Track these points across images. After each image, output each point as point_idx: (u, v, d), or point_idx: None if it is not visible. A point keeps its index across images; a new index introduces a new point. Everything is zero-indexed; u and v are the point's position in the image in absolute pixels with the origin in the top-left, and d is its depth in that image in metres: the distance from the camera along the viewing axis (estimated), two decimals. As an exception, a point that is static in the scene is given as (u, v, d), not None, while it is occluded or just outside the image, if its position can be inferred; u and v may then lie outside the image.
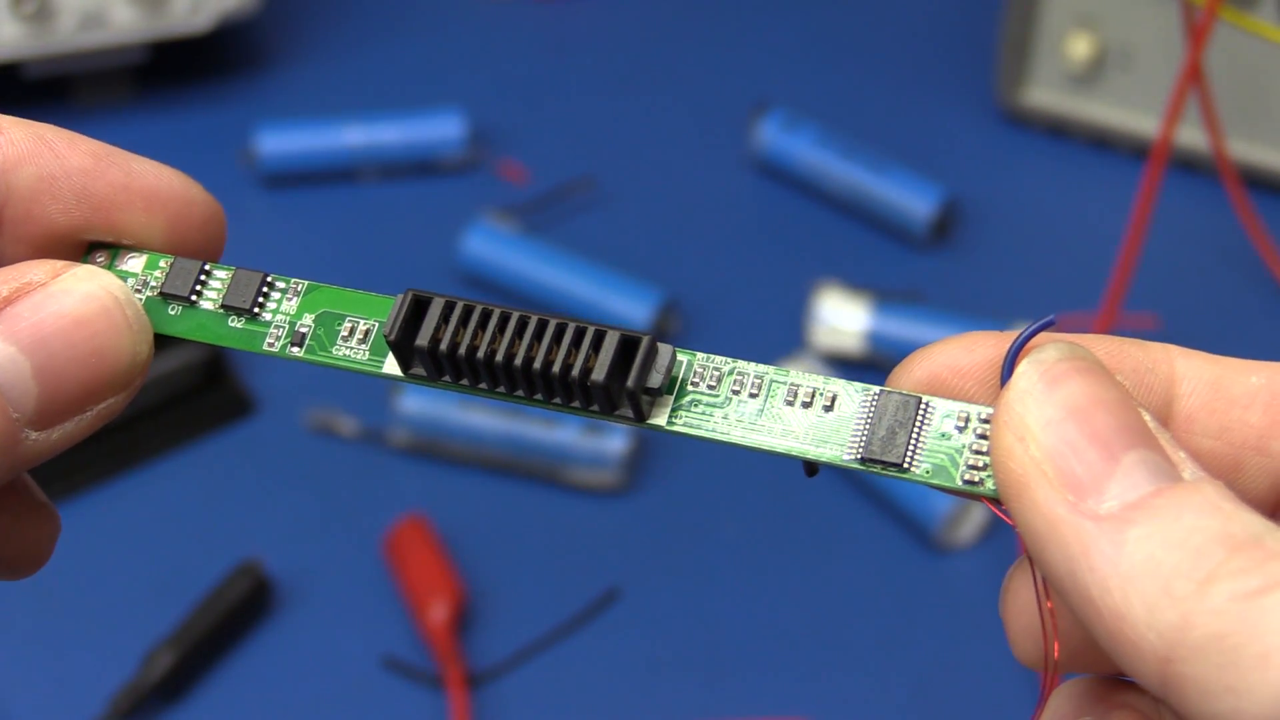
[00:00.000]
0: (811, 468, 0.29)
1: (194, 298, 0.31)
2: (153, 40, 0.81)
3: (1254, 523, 0.24)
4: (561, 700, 0.62)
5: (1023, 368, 0.27)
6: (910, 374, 0.29)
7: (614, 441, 0.67)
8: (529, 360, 0.29)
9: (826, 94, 0.85)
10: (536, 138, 0.83)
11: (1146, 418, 0.26)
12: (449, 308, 0.30)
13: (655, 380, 0.29)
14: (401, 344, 0.30)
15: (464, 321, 0.30)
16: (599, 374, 0.29)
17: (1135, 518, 0.25)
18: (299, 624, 0.64)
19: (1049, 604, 0.28)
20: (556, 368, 0.29)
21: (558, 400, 0.30)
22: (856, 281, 0.73)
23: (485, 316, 0.29)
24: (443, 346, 0.29)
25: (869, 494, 0.68)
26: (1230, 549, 0.24)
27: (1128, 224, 0.64)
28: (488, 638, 0.64)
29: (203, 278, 0.32)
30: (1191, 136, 0.75)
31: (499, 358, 0.29)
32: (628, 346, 0.29)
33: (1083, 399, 0.26)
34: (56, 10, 0.79)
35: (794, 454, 0.29)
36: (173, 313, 0.31)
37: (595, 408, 0.29)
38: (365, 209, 0.80)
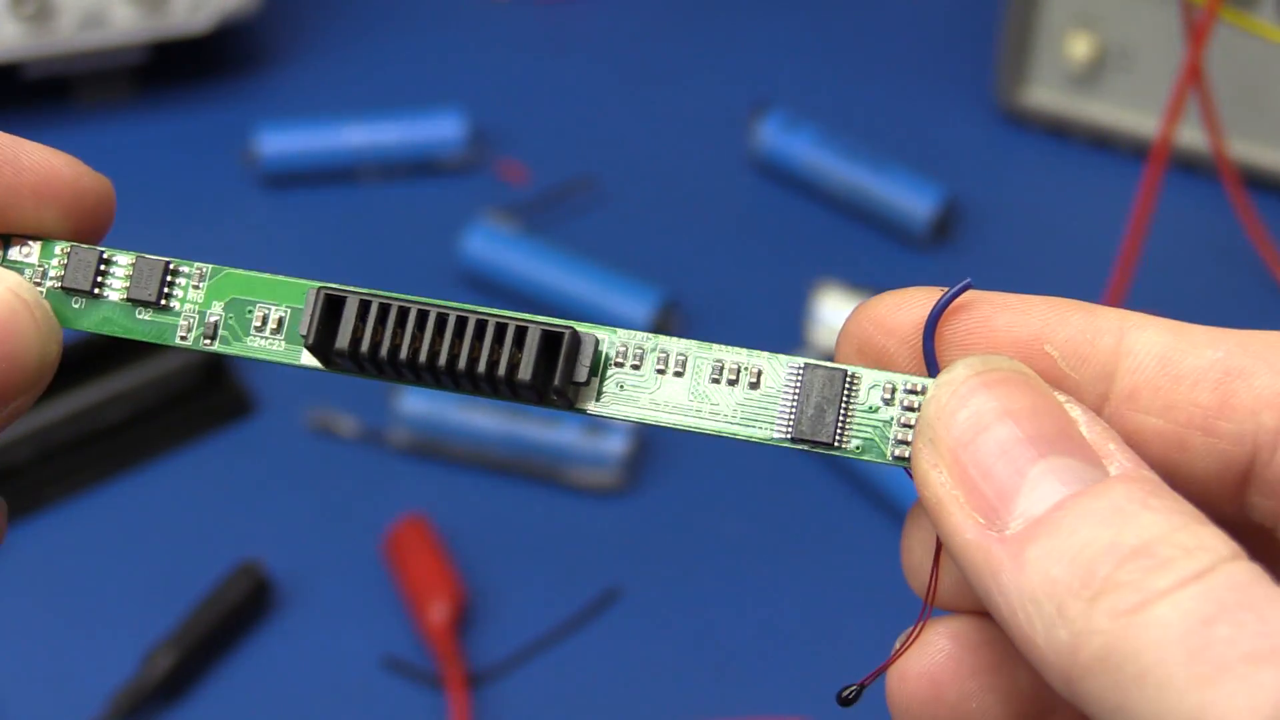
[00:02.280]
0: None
1: (97, 290, 0.30)
2: (153, 40, 0.81)
3: (1153, 524, 0.24)
4: (561, 700, 0.62)
5: (933, 390, 0.26)
6: (843, 334, 0.29)
7: (614, 441, 0.67)
8: (453, 359, 0.29)
9: (826, 94, 0.85)
10: (536, 138, 0.83)
11: (1072, 409, 0.26)
12: (364, 306, 0.29)
13: (581, 374, 0.29)
14: (320, 346, 0.29)
15: (381, 320, 0.29)
16: (525, 373, 0.28)
17: (1036, 534, 0.24)
18: (299, 624, 0.64)
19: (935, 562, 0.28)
20: (482, 366, 0.28)
21: (485, 391, 0.29)
22: (856, 281, 0.73)
23: (403, 314, 0.29)
24: (363, 348, 0.29)
25: (869, 494, 0.68)
26: (1117, 561, 0.24)
27: (1128, 224, 0.64)
28: (488, 638, 0.64)
29: (103, 267, 0.30)
30: (1191, 136, 0.75)
31: (422, 357, 0.29)
32: (550, 341, 0.29)
33: (990, 415, 0.26)
34: (56, 10, 0.79)
35: (723, 434, 0.29)
36: (77, 306, 0.30)
37: (523, 399, 0.29)
38: (365, 209, 0.80)
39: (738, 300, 0.76)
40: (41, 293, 0.30)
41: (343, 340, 0.29)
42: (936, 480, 0.26)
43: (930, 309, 0.28)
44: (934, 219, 0.77)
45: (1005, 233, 0.79)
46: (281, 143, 0.80)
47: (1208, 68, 0.63)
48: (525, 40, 0.90)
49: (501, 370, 0.28)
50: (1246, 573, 0.23)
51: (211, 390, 0.70)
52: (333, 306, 0.29)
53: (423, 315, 0.29)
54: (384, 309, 0.29)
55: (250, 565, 0.64)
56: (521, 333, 0.28)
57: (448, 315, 0.29)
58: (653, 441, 0.69)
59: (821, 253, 0.78)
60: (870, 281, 0.74)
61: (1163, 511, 0.24)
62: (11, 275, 0.29)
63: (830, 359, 0.29)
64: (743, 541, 0.67)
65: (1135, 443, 0.27)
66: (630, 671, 0.63)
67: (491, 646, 0.63)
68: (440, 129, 0.81)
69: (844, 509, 0.67)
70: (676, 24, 0.91)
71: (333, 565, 0.66)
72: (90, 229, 0.31)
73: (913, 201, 0.77)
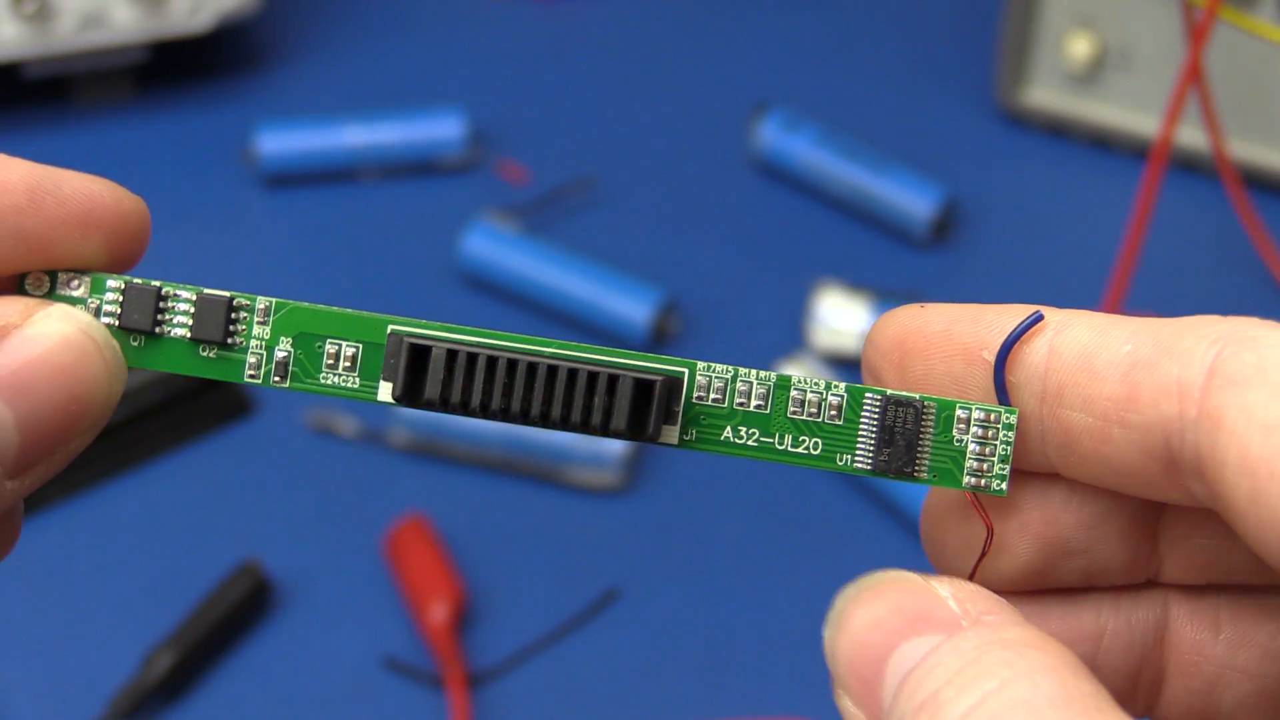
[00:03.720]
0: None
1: (158, 330, 0.30)
2: (153, 40, 0.81)
3: (943, 673, 0.25)
4: (561, 700, 0.62)
5: (825, 631, 0.28)
6: (882, 332, 0.30)
7: (614, 441, 0.67)
8: (546, 407, 0.29)
9: (826, 94, 0.85)
10: (536, 138, 0.83)
11: (941, 587, 0.27)
12: (451, 357, 0.28)
13: (674, 420, 0.29)
14: (407, 395, 0.29)
15: (469, 371, 0.28)
16: (619, 423, 0.29)
17: None
18: (299, 624, 0.64)
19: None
20: (576, 415, 0.29)
21: (574, 429, 0.29)
22: (856, 281, 0.73)
23: (491, 364, 0.28)
24: (452, 401, 0.29)
25: (869, 494, 0.68)
26: (915, 713, 0.25)
27: (1128, 224, 0.64)
28: (488, 638, 0.64)
29: (161, 304, 0.30)
30: (1191, 136, 0.75)
31: (515, 406, 0.29)
32: (643, 389, 0.29)
33: (862, 632, 0.27)
34: (56, 10, 0.79)
35: (806, 466, 0.29)
36: (136, 344, 0.30)
37: (610, 436, 0.29)
38: (365, 209, 0.80)
39: (738, 300, 0.76)
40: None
41: (431, 393, 0.29)
42: (845, 707, 0.27)
43: (997, 351, 0.29)
44: (934, 219, 0.77)
45: (1005, 233, 0.79)
46: (281, 143, 0.80)
47: (1208, 68, 0.63)
48: (525, 40, 0.90)
49: (596, 420, 0.29)
50: (1025, 691, 0.24)
51: (211, 390, 0.70)
52: (418, 356, 0.29)
53: (512, 365, 0.28)
54: (471, 359, 0.28)
55: (250, 565, 0.64)
56: (613, 382, 0.29)
57: (538, 365, 0.28)
58: (653, 441, 0.69)
59: (821, 253, 0.78)
60: (870, 281, 0.74)
61: (969, 649, 0.25)
62: (83, 315, 0.28)
63: (858, 370, 0.30)
64: (742, 542, 0.67)
65: (1068, 438, 0.28)
66: (630, 671, 0.63)
67: (491, 646, 0.63)
68: (440, 129, 0.81)
69: (844, 509, 0.67)
70: (676, 24, 0.91)
71: (333, 565, 0.66)
72: (129, 254, 0.30)
73: (913, 201, 0.77)
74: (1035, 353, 0.28)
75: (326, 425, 0.70)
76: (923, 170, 0.79)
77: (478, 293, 0.75)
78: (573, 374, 0.29)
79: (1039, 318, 0.28)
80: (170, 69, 0.85)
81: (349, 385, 0.30)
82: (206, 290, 0.30)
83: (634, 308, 0.72)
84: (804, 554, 0.66)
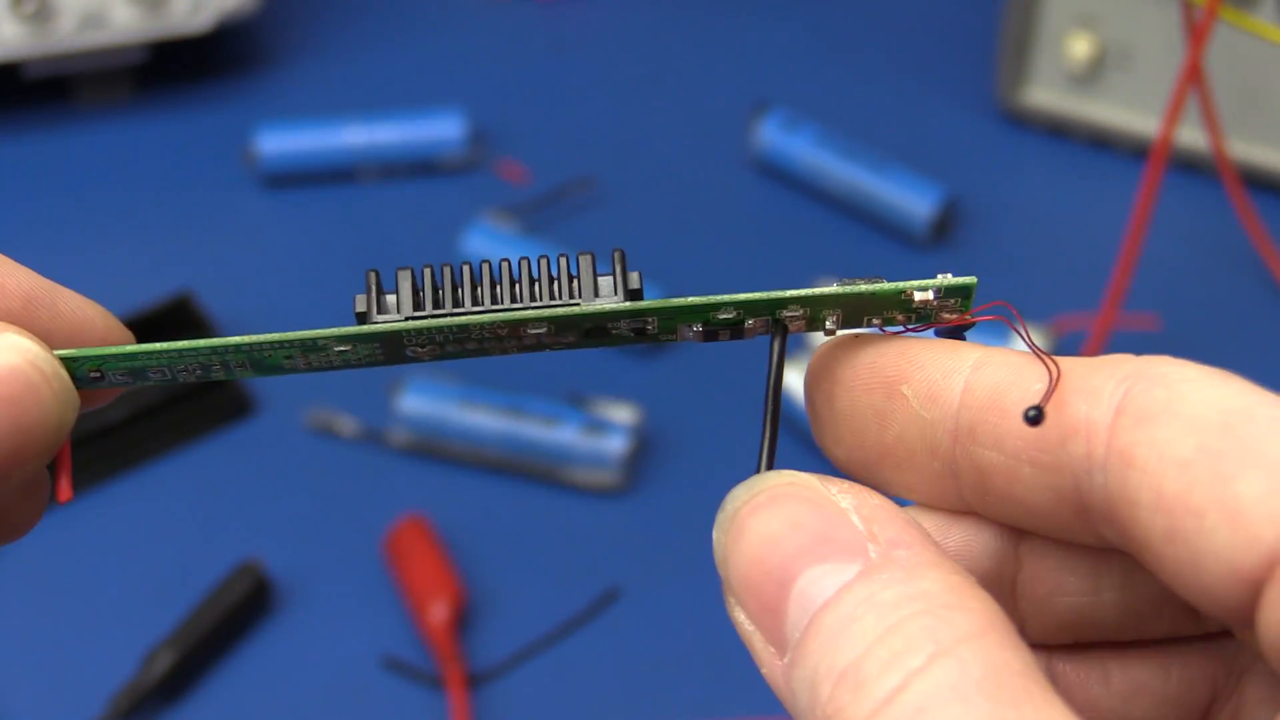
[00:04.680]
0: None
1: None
2: (153, 40, 0.81)
3: (865, 634, 0.24)
4: (561, 700, 0.62)
5: (714, 531, 0.27)
6: (817, 362, 0.30)
7: (614, 441, 0.67)
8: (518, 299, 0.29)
9: (826, 94, 0.85)
10: (536, 138, 0.83)
11: (843, 499, 0.26)
12: (420, 278, 0.29)
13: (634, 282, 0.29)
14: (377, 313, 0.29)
15: (436, 285, 0.29)
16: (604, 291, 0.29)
17: (795, 659, 0.25)
18: (299, 624, 0.64)
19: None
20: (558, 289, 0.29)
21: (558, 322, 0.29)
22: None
23: (457, 279, 0.29)
24: (424, 304, 0.29)
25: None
26: (831, 688, 0.24)
27: (1128, 224, 0.64)
28: (488, 638, 0.64)
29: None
30: (1191, 136, 0.75)
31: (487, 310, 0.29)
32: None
33: (757, 543, 0.26)
34: (56, 10, 0.79)
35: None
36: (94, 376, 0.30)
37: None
38: (365, 209, 0.80)
39: (738, 300, 0.76)
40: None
41: (404, 305, 0.29)
42: (739, 619, 0.26)
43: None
44: (934, 219, 0.77)
45: (1005, 233, 0.79)
46: (281, 143, 0.80)
47: (1208, 68, 0.63)
48: (525, 40, 0.90)
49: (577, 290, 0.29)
50: (952, 673, 0.23)
51: (211, 390, 0.70)
52: (380, 286, 0.29)
53: (475, 278, 0.29)
54: (438, 275, 0.29)
55: (250, 565, 0.64)
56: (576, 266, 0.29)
57: (502, 272, 0.29)
58: (652, 441, 0.69)
59: (821, 253, 0.78)
60: (870, 281, 0.74)
61: (889, 606, 0.24)
62: (26, 343, 0.29)
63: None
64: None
65: (982, 478, 0.28)
66: (630, 671, 0.63)
67: (491, 646, 0.63)
68: (440, 129, 0.81)
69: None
70: (676, 24, 0.91)
71: (333, 565, 0.66)
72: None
73: (913, 201, 0.77)
74: (950, 390, 0.28)
75: (326, 425, 0.70)
76: (923, 170, 0.79)
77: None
78: (537, 276, 0.29)
79: (968, 326, 0.29)
80: (170, 69, 0.85)
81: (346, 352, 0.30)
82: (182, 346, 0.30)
83: (634, 308, 0.72)
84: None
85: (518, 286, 0.29)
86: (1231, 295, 0.76)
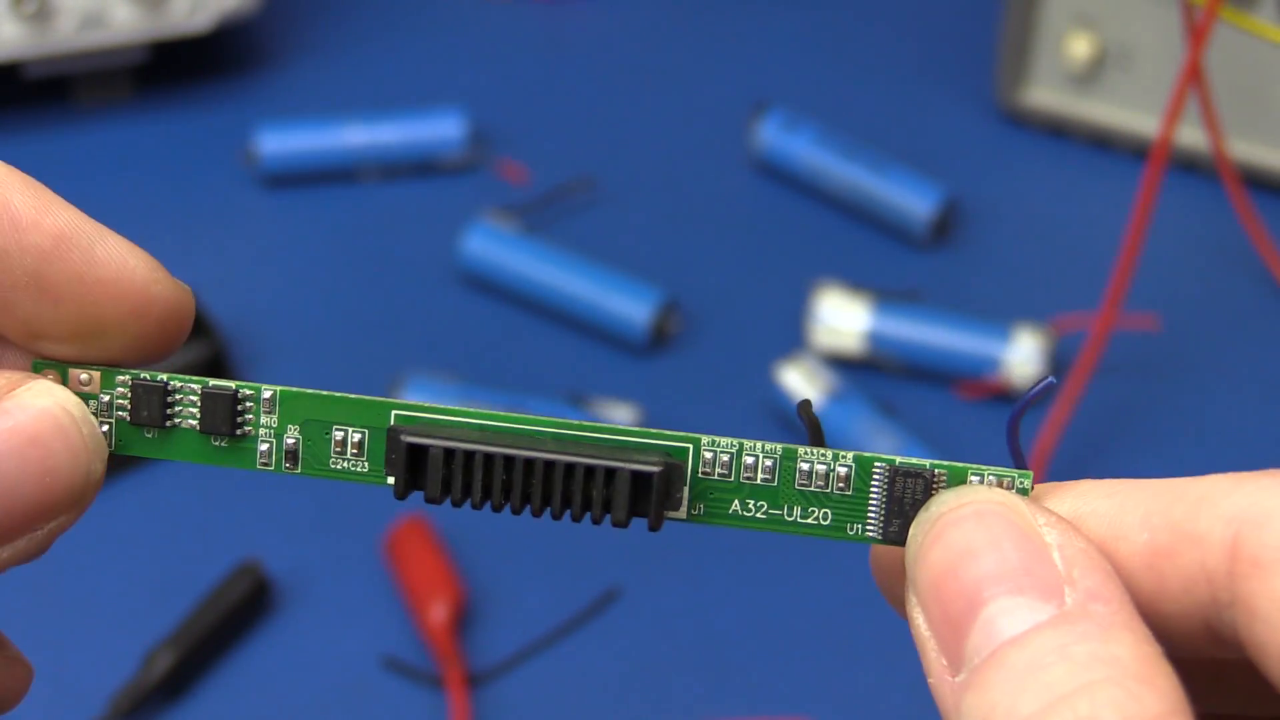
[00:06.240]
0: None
1: (169, 424, 0.30)
2: (153, 40, 0.81)
3: (1053, 687, 0.23)
4: (561, 700, 0.62)
5: (912, 530, 0.27)
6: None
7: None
8: (545, 506, 0.29)
9: (826, 94, 0.85)
10: (536, 138, 0.83)
11: (1049, 534, 0.25)
12: (449, 456, 0.29)
13: (675, 505, 0.29)
14: (410, 488, 0.29)
15: (467, 468, 0.29)
16: (619, 515, 0.29)
17: (970, 684, 0.25)
18: (299, 624, 0.64)
19: None
20: (576, 509, 0.29)
21: (576, 519, 0.29)
22: (856, 281, 0.73)
23: (489, 462, 0.29)
24: (453, 498, 0.29)
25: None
26: None
27: (1128, 224, 0.64)
28: (488, 638, 0.64)
29: (170, 398, 0.30)
30: (1191, 136, 0.75)
31: (515, 505, 0.29)
32: (641, 480, 0.29)
33: (957, 555, 0.26)
34: (56, 10, 0.79)
35: (815, 536, 0.29)
36: (149, 436, 0.30)
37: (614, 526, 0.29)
38: (365, 209, 0.80)
39: (738, 300, 0.76)
40: (110, 425, 0.29)
41: (432, 493, 0.29)
42: (917, 622, 0.26)
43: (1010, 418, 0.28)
44: (934, 219, 0.77)
45: (1005, 233, 0.79)
46: (281, 143, 0.80)
47: (1208, 68, 0.63)
48: (525, 40, 0.90)
49: (596, 513, 0.29)
50: None
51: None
52: (416, 453, 0.29)
53: (509, 462, 0.29)
54: (469, 457, 0.29)
55: (250, 565, 0.64)
56: (610, 475, 0.29)
57: (535, 461, 0.29)
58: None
59: (821, 253, 0.78)
60: (870, 281, 0.74)
61: (1080, 665, 0.24)
62: (62, 391, 0.28)
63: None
64: (742, 542, 0.67)
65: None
66: (630, 671, 0.63)
67: (491, 646, 0.63)
68: (440, 129, 0.81)
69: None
70: (676, 24, 0.91)
71: (333, 565, 0.66)
72: (155, 345, 0.29)
73: (913, 201, 0.77)
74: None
75: (326, 425, 0.70)
76: (923, 170, 0.79)
77: (478, 293, 0.75)
78: (570, 469, 0.29)
79: (1052, 383, 0.28)
80: (170, 69, 0.85)
81: (359, 470, 0.30)
82: (212, 382, 0.30)
83: (634, 308, 0.72)
84: (804, 553, 0.66)
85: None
86: (1231, 295, 0.76)
